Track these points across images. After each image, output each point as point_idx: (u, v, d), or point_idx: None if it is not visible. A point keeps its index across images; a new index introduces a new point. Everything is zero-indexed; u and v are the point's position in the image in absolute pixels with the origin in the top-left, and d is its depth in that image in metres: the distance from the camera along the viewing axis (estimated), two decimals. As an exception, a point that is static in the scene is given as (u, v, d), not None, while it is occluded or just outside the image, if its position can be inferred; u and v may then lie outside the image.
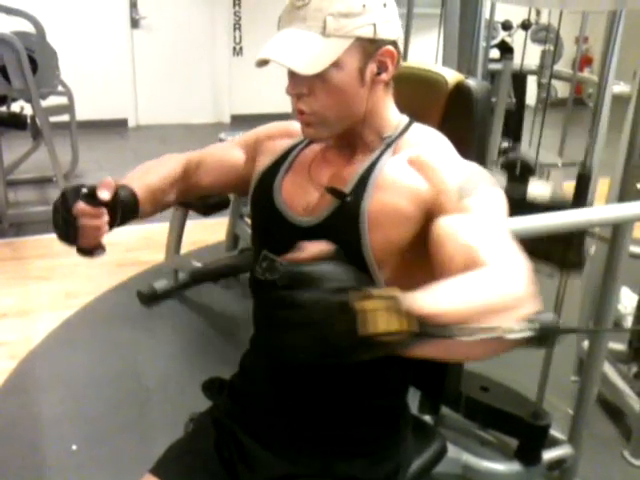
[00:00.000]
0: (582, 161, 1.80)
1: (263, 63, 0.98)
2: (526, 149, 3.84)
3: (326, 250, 0.74)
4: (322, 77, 0.96)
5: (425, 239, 0.98)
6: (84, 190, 0.99)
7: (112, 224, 1.04)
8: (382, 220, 0.99)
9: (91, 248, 1.04)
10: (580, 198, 1.82)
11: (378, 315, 0.66)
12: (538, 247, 1.78)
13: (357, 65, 0.98)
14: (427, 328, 0.68)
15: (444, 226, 0.93)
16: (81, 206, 0.98)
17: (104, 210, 1.00)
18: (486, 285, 0.77)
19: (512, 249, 0.86)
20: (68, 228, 1.00)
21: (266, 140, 1.21)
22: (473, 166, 1.01)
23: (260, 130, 1.24)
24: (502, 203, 0.96)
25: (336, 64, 0.96)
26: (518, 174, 1.96)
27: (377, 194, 1.01)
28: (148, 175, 1.19)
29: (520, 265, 0.83)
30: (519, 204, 1.85)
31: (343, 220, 1.02)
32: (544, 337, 0.72)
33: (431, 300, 0.71)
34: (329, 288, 0.68)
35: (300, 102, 1.01)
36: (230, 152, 1.24)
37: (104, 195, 0.99)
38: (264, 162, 1.17)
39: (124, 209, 1.07)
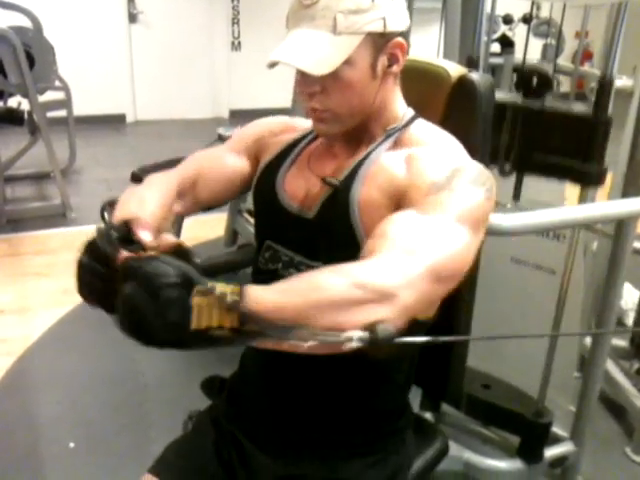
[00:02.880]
0: (602, 69, 1.68)
1: (274, 65, 0.97)
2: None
3: (172, 243, 0.75)
4: (334, 75, 0.95)
5: None
6: (114, 234, 0.82)
7: None
8: (371, 211, 0.98)
9: None
10: (601, 107, 1.67)
11: (205, 310, 0.69)
12: (557, 162, 1.70)
13: (369, 60, 0.97)
14: (251, 324, 0.70)
15: (389, 217, 0.91)
16: (125, 256, 0.78)
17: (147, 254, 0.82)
18: (342, 278, 0.76)
19: (430, 246, 0.83)
20: (107, 286, 0.80)
21: (271, 136, 1.19)
22: (464, 163, 0.96)
23: (259, 128, 1.21)
24: (473, 202, 0.90)
25: (348, 61, 0.95)
26: (534, 89, 1.79)
27: (368, 184, 1.00)
28: (147, 206, 0.98)
29: (417, 262, 0.80)
30: (536, 117, 1.72)
31: (335, 210, 1.01)
32: (378, 346, 0.73)
33: (266, 294, 0.73)
34: (161, 284, 0.69)
35: (313, 100, 1.00)
36: (229, 161, 1.18)
37: (147, 237, 0.84)
38: (268, 157, 1.16)
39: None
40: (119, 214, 0.94)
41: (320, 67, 0.93)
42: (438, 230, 0.86)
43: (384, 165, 1.00)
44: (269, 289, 0.74)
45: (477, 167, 0.96)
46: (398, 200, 0.95)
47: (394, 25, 0.97)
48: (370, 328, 0.72)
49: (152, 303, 0.68)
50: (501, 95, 1.52)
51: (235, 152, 1.20)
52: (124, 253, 0.79)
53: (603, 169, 1.71)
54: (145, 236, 0.84)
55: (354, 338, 0.71)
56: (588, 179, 1.71)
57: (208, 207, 1.20)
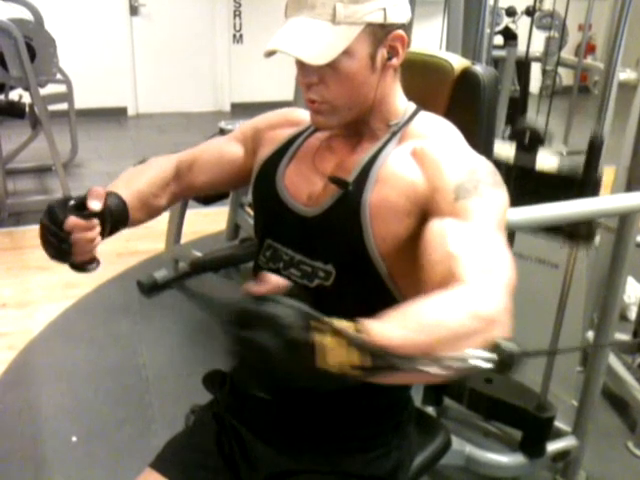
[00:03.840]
0: (593, 129, 1.73)
1: (271, 54, 0.96)
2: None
3: (284, 285, 0.75)
4: (333, 66, 0.94)
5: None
6: (72, 202, 0.95)
7: (102, 234, 1.00)
8: (383, 213, 0.97)
9: (85, 263, 0.99)
10: (591, 168, 1.73)
11: (333, 349, 0.68)
12: None
13: (368, 52, 0.96)
14: (382, 360, 0.69)
15: (435, 229, 0.91)
16: (73, 220, 0.94)
17: (96, 221, 0.97)
18: (454, 309, 0.76)
19: (497, 261, 0.84)
20: (60, 245, 0.94)
21: (267, 130, 1.18)
22: (477, 161, 0.97)
23: (259, 120, 1.21)
24: (501, 206, 0.93)
25: (347, 52, 0.94)
26: (527, 143, 1.87)
27: (378, 186, 0.99)
28: (136, 181, 1.13)
29: (499, 281, 0.81)
30: (528, 175, 1.79)
31: (345, 211, 1.00)
32: (505, 365, 0.72)
33: (390, 330, 0.71)
34: (285, 326, 0.68)
35: (310, 91, 0.99)
36: (227, 147, 1.21)
37: (95, 205, 0.96)
38: (266, 152, 1.14)
39: (114, 218, 1.03)
40: (109, 188, 1.06)
41: (318, 57, 0.92)
42: (492, 242, 0.87)
43: (396, 166, 0.99)
44: (390, 325, 0.73)
45: (488, 164, 0.97)
46: (422, 204, 0.95)
47: (395, 17, 0.96)
48: (493, 348, 0.72)
49: (279, 347, 0.67)
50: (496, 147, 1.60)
51: (234, 141, 1.21)
52: (72, 218, 0.93)
53: (592, 229, 1.76)
54: (94, 205, 0.96)
55: (484, 359, 0.71)
56: (577, 238, 1.78)
57: (205, 193, 1.24)
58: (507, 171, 1.77)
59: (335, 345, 0.68)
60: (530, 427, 1.81)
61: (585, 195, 1.74)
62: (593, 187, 1.75)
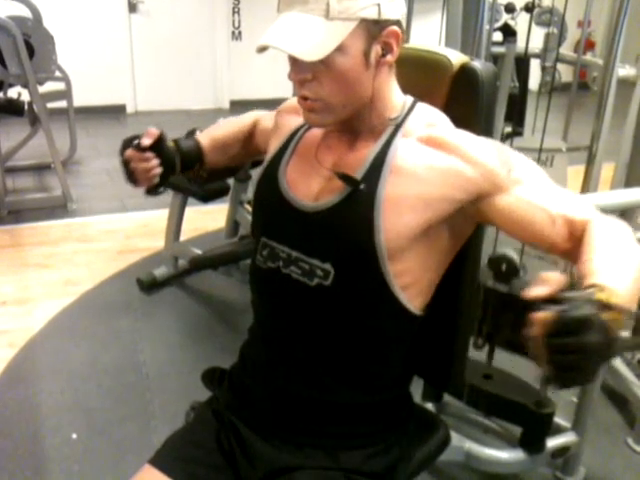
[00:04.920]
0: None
1: (263, 49, 0.95)
2: (529, 135, 3.81)
3: (563, 280, 0.77)
4: (326, 62, 0.93)
5: (451, 221, 0.99)
6: (135, 140, 1.16)
7: (172, 170, 1.21)
8: (400, 207, 0.97)
9: (151, 187, 1.21)
10: None
11: (615, 323, 0.73)
12: (521, 340, 1.81)
13: (362, 48, 0.95)
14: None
15: (518, 203, 0.96)
16: (128, 152, 1.16)
17: (149, 155, 1.15)
18: (623, 249, 0.88)
19: (583, 200, 0.99)
20: (126, 171, 1.19)
21: (279, 115, 1.21)
22: (488, 139, 1.02)
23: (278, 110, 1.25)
24: (534, 162, 1.02)
25: (340, 48, 0.93)
26: (503, 273, 2.02)
27: (394, 180, 0.98)
28: (219, 128, 1.34)
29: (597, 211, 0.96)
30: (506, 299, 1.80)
31: (355, 207, 0.99)
32: None
33: (623, 287, 0.79)
34: (600, 321, 0.72)
35: (304, 88, 0.98)
36: (267, 119, 1.28)
37: (144, 142, 1.15)
38: (273, 145, 1.16)
39: (185, 157, 1.23)
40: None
41: (310, 53, 0.91)
42: (561, 188, 1.00)
43: (412, 157, 0.98)
44: (616, 282, 0.79)
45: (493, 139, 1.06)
46: (473, 188, 0.97)
47: (389, 12, 0.95)
48: None
49: (603, 343, 0.71)
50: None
51: (274, 116, 1.26)
52: (128, 151, 1.16)
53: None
54: (144, 142, 1.15)
55: None
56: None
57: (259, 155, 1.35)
58: (486, 294, 1.80)
59: (613, 318, 0.72)
60: (530, 423, 1.81)
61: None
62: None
